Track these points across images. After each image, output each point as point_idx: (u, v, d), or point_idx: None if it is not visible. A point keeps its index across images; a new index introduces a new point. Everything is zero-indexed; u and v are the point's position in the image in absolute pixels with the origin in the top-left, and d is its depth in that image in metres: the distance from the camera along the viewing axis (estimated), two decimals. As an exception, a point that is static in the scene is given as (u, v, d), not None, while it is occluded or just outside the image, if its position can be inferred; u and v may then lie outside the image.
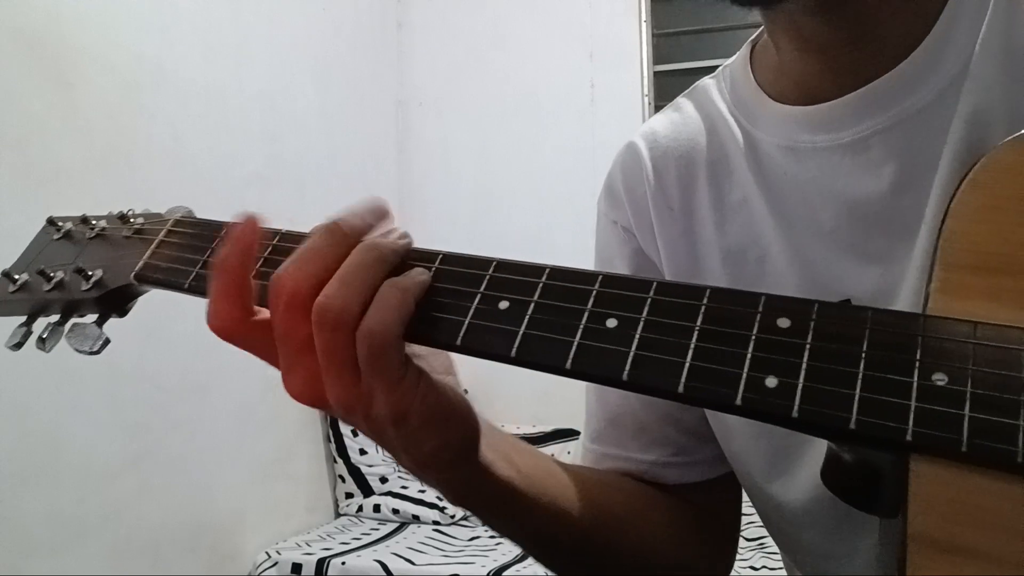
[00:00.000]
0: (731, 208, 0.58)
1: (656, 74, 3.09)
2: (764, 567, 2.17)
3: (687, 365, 0.35)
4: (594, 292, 0.39)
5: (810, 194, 0.54)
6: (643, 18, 3.08)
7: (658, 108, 3.19)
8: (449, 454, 0.44)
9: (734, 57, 0.63)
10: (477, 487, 0.47)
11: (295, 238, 0.46)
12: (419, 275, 0.42)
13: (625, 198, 0.64)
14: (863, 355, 0.32)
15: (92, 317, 0.53)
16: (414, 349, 0.43)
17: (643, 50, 3.08)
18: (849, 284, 0.52)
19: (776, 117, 0.56)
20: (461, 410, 0.44)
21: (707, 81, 0.64)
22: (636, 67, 3.07)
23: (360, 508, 2.77)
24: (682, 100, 0.65)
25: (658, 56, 3.10)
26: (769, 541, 0.67)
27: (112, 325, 0.54)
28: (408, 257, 0.43)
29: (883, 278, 0.51)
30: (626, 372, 0.36)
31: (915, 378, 0.30)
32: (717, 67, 0.64)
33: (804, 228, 0.54)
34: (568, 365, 0.37)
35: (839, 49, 0.52)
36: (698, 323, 0.36)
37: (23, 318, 0.55)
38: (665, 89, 3.06)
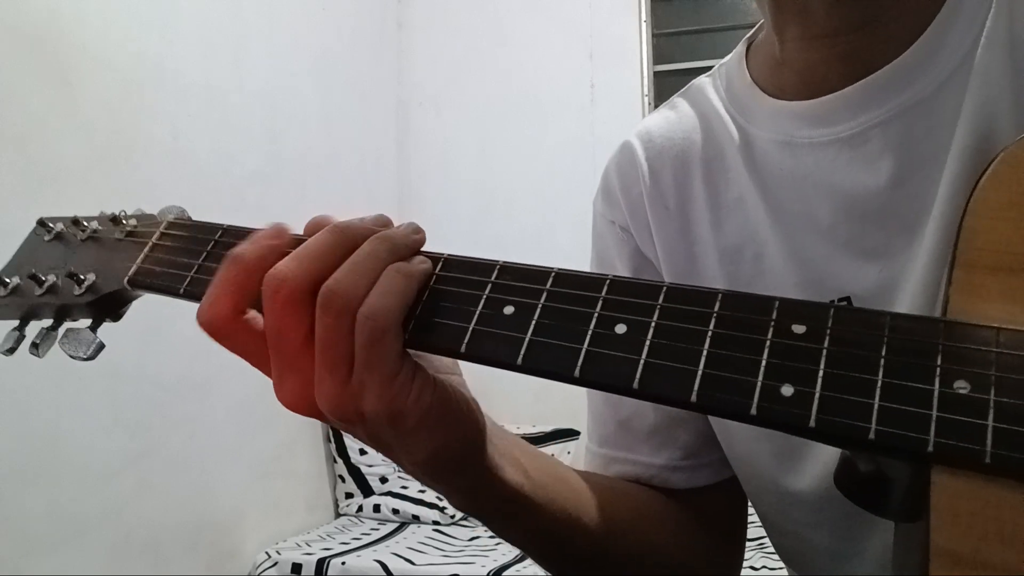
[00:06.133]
0: (727, 206, 0.58)
1: (656, 74, 3.09)
2: (764, 567, 2.17)
3: (699, 373, 0.34)
4: (602, 297, 0.37)
5: (806, 190, 0.53)
6: (643, 18, 3.08)
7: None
8: (449, 457, 0.42)
9: (729, 56, 0.62)
10: (483, 492, 0.46)
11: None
12: (422, 263, 0.41)
13: (621, 198, 0.63)
14: (882, 362, 0.31)
15: (86, 322, 0.52)
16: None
17: (643, 50, 3.08)
18: (847, 281, 0.51)
19: (772, 112, 0.56)
20: (461, 410, 0.42)
21: (703, 79, 0.64)
22: (636, 67, 3.07)
23: (360, 508, 2.77)
24: (677, 99, 0.65)
25: (658, 56, 3.10)
26: (770, 540, 0.66)
27: (112, 324, 0.54)
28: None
29: (882, 274, 0.50)
30: (636, 380, 0.35)
31: (936, 386, 0.30)
32: None
33: (800, 225, 0.54)
34: (576, 373, 0.36)
35: (847, 35, 0.51)
36: (710, 329, 0.35)
37: (15, 322, 0.54)
38: (665, 89, 3.05)
